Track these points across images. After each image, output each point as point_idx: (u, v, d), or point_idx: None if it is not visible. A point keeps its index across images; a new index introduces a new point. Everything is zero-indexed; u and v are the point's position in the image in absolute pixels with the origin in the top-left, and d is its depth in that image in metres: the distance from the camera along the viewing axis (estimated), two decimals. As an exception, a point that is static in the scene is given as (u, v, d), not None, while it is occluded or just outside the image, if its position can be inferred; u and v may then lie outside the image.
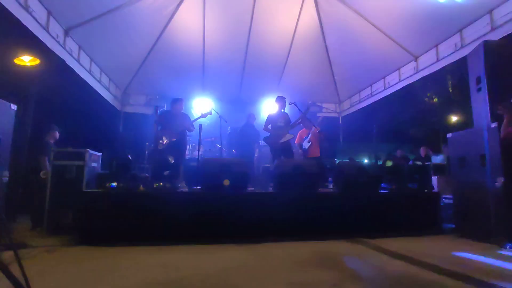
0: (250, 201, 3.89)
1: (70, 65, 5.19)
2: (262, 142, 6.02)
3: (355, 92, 8.31)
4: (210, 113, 5.39)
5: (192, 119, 5.33)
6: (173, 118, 5.10)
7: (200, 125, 4.91)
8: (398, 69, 6.58)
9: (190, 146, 6.93)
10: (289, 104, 5.46)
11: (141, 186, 3.98)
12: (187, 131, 5.23)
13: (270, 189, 4.58)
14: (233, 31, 6.62)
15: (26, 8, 3.88)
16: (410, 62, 6.21)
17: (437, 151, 7.33)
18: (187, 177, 5.55)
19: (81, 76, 5.64)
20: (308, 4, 6.19)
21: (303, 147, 5.92)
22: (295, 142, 5.88)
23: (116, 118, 7.88)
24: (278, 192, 4.10)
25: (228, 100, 8.44)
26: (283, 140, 5.25)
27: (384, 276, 2.48)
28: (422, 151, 7.08)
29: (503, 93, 3.51)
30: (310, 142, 5.80)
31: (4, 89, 5.38)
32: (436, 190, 4.72)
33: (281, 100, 5.53)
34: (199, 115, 5.30)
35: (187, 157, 6.52)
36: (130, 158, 4.51)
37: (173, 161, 4.86)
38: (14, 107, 3.25)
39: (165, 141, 4.93)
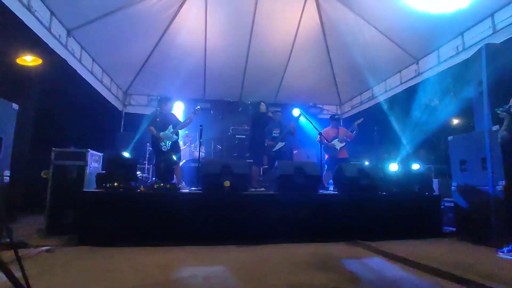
0: (250, 202, 3.90)
1: (72, 65, 5.19)
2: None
3: (356, 94, 8.30)
4: (199, 109, 5.33)
5: (183, 120, 5.37)
6: (166, 118, 5.09)
7: (201, 126, 4.91)
8: (399, 71, 6.58)
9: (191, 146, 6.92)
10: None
11: (142, 186, 3.98)
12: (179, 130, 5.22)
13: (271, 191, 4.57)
14: (235, 32, 6.63)
15: (29, 8, 3.90)
16: (411, 64, 6.21)
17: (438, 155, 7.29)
18: (188, 178, 5.54)
19: (83, 76, 5.64)
20: (310, 6, 6.20)
21: (335, 146, 6.01)
22: (317, 140, 5.87)
23: (117, 119, 7.90)
24: (278, 194, 4.10)
25: (229, 102, 8.45)
26: (276, 148, 5.63)
27: (384, 279, 2.48)
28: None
29: (505, 96, 3.50)
30: (344, 144, 6.03)
31: (6, 88, 5.41)
32: (437, 193, 4.71)
33: (275, 113, 5.98)
34: (190, 115, 5.24)
35: (187, 158, 6.52)
36: (129, 157, 4.52)
37: (177, 161, 4.90)
38: (16, 106, 3.25)
39: (166, 142, 4.94)
